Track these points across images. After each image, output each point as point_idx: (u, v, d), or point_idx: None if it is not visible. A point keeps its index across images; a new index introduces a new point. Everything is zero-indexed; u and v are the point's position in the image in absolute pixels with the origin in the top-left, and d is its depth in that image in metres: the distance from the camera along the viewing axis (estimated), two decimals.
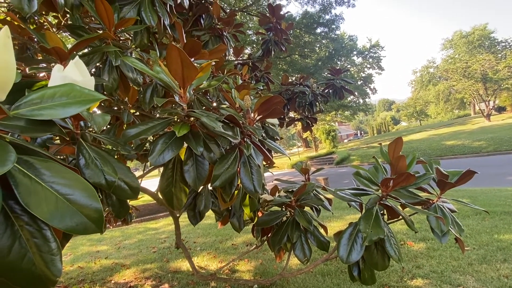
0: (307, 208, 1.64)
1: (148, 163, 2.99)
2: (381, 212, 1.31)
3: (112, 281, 3.88)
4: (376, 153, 17.53)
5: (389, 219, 1.43)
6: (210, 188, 1.57)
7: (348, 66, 20.14)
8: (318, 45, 16.59)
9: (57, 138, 0.95)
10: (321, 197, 1.71)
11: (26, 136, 0.61)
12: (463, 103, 39.76)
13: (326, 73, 15.26)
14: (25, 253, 0.49)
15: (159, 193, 1.85)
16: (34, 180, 0.46)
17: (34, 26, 2.69)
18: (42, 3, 1.10)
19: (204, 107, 1.51)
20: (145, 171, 2.23)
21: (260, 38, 3.58)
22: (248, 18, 12.69)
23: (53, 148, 0.80)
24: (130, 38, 2.09)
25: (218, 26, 2.55)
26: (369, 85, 23.57)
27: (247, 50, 11.93)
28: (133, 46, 1.71)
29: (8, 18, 3.07)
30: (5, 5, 3.23)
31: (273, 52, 3.46)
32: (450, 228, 1.38)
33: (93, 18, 2.37)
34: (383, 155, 1.42)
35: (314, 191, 1.61)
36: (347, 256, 1.21)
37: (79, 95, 0.50)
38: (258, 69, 3.48)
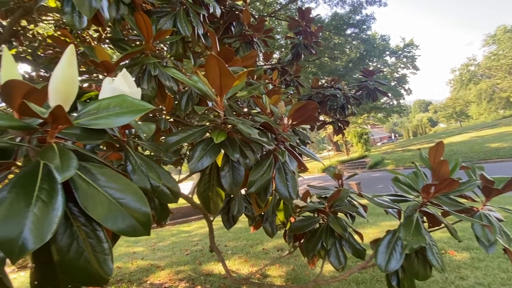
0: (340, 215, 1.61)
1: (180, 168, 3.10)
2: (421, 219, 1.25)
3: (148, 282, 4.02)
4: (412, 157, 16.72)
5: (429, 227, 1.37)
6: (243, 193, 1.59)
7: (381, 66, 19.47)
8: (348, 47, 16.24)
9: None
10: (356, 203, 1.67)
11: (80, 143, 0.66)
12: (509, 102, 36.86)
13: (357, 75, 14.88)
14: (82, 252, 0.53)
15: (194, 197, 1.91)
16: (91, 185, 0.50)
17: (78, 40, 2.90)
18: (90, 19, 1.19)
19: (234, 113, 1.55)
20: (180, 176, 2.31)
21: (289, 42, 3.58)
22: (276, 22, 12.75)
23: (100, 154, 0.86)
24: (166, 47, 2.19)
25: (248, 33, 2.59)
26: (404, 85, 22.59)
27: (276, 55, 11.97)
28: (168, 55, 1.78)
29: (56, 34, 3.34)
30: (53, 22, 3.52)
31: (303, 56, 3.44)
32: (497, 237, 1.28)
33: (130, 30, 2.52)
34: (422, 160, 1.36)
35: (348, 197, 1.57)
36: (385, 265, 1.16)
37: (131, 105, 0.54)
38: (288, 73, 3.49)
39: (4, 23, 2.94)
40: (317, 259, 1.78)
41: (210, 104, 1.54)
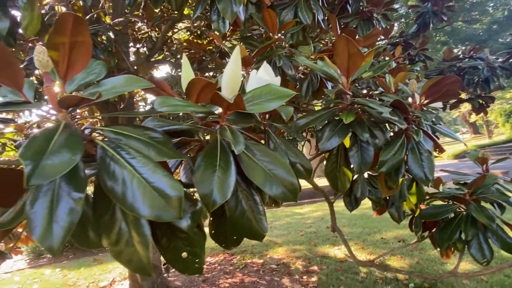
0: (484, 204, 1.40)
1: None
2: None
3: (268, 256, 4.41)
4: None
5: None
6: (366, 176, 1.57)
7: None
8: (491, 4, 13.09)
9: None
10: (506, 192, 1.42)
11: (235, 126, 0.81)
12: None
13: (506, 39, 11.88)
14: (244, 212, 0.67)
15: (315, 178, 1.99)
16: (251, 158, 0.63)
17: (206, 40, 3.34)
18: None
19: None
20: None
21: (410, 11, 3.19)
22: None
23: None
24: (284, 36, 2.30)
25: (366, 9, 2.44)
26: None
27: (395, 27, 10.73)
28: (286, 45, 1.88)
29: (190, 38, 3.91)
30: (185, 29, 4.15)
31: (431, 25, 3.02)
32: None
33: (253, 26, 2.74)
34: None
35: (496, 184, 1.35)
36: None
37: (277, 92, 0.64)
38: (412, 47, 3.12)
39: (155, 34, 3.65)
40: (452, 252, 1.61)
41: (330, 86, 1.56)
